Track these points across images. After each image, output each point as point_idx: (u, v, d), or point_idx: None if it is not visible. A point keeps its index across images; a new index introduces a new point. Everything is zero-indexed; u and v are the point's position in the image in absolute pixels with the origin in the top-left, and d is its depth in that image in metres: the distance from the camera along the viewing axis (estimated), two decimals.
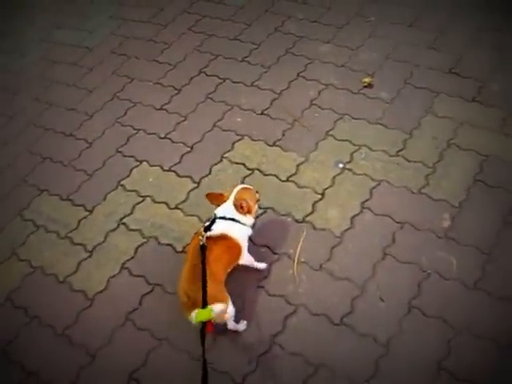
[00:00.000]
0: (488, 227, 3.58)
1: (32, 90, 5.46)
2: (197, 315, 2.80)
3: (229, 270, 3.24)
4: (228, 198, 3.25)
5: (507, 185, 3.78)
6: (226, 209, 3.21)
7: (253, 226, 3.37)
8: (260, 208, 3.86)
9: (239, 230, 3.21)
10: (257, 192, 3.37)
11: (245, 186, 3.35)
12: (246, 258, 3.36)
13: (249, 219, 3.27)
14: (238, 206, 3.17)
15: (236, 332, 3.28)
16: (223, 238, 3.13)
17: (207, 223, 3.18)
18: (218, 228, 3.14)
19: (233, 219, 3.18)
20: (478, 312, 3.20)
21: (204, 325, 2.80)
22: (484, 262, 3.40)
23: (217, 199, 3.30)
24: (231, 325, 3.22)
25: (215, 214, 3.22)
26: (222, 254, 3.12)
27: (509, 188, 3.76)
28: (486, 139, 4.09)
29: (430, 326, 3.18)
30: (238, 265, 3.35)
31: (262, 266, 3.51)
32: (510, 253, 3.44)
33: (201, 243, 3.02)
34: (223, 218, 3.18)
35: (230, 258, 3.22)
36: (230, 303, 3.08)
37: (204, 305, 2.81)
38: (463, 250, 3.48)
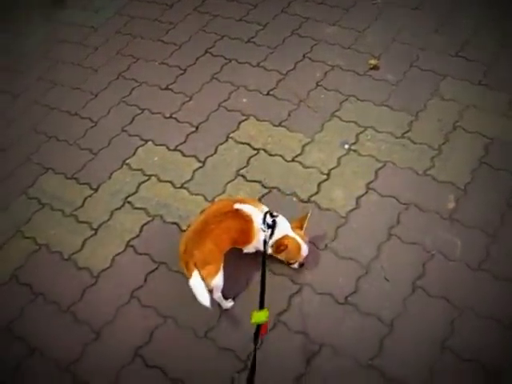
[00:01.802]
0: (493, 209, 3.59)
1: (36, 69, 5.43)
2: (253, 316, 2.78)
3: (231, 246, 3.27)
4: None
5: None
6: (283, 223, 3.26)
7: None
8: (265, 188, 3.87)
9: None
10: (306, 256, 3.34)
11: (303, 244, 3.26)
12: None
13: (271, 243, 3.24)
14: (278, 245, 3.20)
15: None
16: (247, 220, 3.17)
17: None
18: (252, 210, 3.20)
19: (272, 224, 3.19)
20: (482, 293, 3.22)
21: (258, 327, 2.77)
22: (488, 244, 3.41)
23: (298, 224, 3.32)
24: (216, 296, 3.24)
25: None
26: (235, 230, 3.16)
27: None
28: (491, 122, 4.09)
29: (433, 305, 3.19)
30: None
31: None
32: None
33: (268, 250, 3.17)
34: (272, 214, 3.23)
35: (236, 239, 3.23)
36: (221, 272, 3.11)
37: (200, 264, 2.98)
38: (468, 232, 3.48)
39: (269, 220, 3.17)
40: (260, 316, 2.77)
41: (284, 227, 3.22)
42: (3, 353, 3.39)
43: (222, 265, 3.13)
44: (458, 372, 2.94)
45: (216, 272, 3.08)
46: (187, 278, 3.02)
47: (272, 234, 3.17)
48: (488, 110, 4.18)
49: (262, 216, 3.19)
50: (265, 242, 3.14)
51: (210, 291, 3.13)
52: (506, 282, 3.24)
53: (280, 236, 3.19)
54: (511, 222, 3.50)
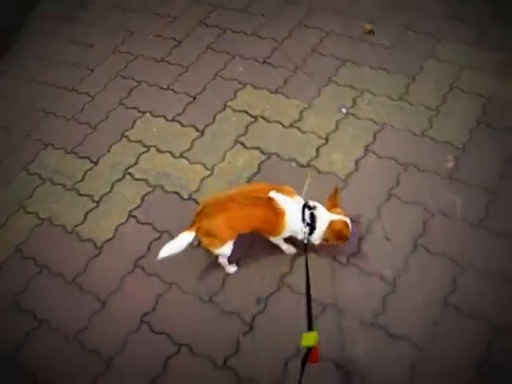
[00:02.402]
0: (492, 167, 3.61)
1: (31, 46, 5.42)
2: (303, 339, 2.54)
3: (251, 231, 3.17)
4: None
5: (510, 126, 3.80)
6: (324, 216, 3.06)
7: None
8: (264, 154, 3.88)
9: (296, 222, 3.02)
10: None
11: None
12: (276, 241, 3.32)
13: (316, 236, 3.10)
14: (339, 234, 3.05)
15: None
16: (277, 213, 2.98)
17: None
18: (288, 204, 3.00)
19: (311, 222, 3.02)
20: (483, 249, 3.25)
21: (308, 352, 2.50)
22: (488, 201, 3.44)
23: (331, 203, 3.14)
24: (221, 260, 3.28)
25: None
26: (258, 218, 3.03)
27: (511, 129, 3.76)
28: (488, 82, 4.10)
29: (435, 263, 3.23)
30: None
31: (290, 250, 3.40)
32: None
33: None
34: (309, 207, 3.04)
35: (259, 228, 3.13)
36: (228, 245, 3.11)
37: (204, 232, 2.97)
38: (467, 190, 3.51)
39: (307, 216, 2.99)
40: (309, 338, 2.53)
41: (323, 215, 3.04)
42: (11, 326, 3.43)
43: (229, 241, 3.09)
44: (461, 327, 2.97)
45: (220, 245, 3.07)
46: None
47: (313, 228, 3.02)
48: (484, 70, 4.19)
49: (298, 210, 3.00)
50: (305, 245, 3.01)
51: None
52: (506, 238, 3.27)
53: (325, 226, 3.02)
54: (510, 180, 3.52)
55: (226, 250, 3.13)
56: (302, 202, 3.06)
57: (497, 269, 3.15)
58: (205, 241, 3.08)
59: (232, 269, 3.36)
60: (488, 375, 2.80)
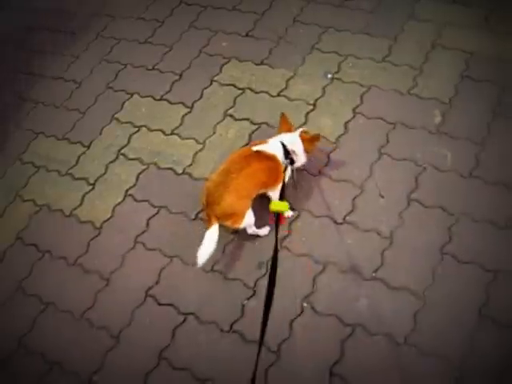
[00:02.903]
0: (478, 119, 3.66)
1: (13, 40, 5.41)
2: (272, 205, 3.05)
3: (260, 192, 3.25)
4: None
5: (494, 78, 3.85)
6: (292, 139, 3.28)
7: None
8: (254, 124, 3.92)
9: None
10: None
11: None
12: (277, 193, 3.25)
13: (300, 159, 3.30)
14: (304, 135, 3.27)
15: (252, 237, 3.41)
16: (271, 159, 3.16)
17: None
18: (271, 147, 3.20)
19: (288, 153, 3.23)
20: (476, 198, 3.31)
21: (278, 216, 2.93)
22: (477, 152, 3.50)
23: (286, 127, 3.36)
24: (251, 230, 3.32)
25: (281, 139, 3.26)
26: (259, 173, 3.13)
27: (496, 81, 3.83)
28: (469, 37, 4.14)
29: (429, 215, 3.29)
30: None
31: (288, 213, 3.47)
32: (502, 141, 3.53)
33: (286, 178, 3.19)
34: (284, 145, 3.22)
35: (265, 181, 3.20)
36: (249, 215, 3.15)
37: (223, 216, 3.05)
38: (456, 143, 3.57)
39: (291, 148, 3.25)
40: (278, 205, 3.04)
41: (293, 141, 3.28)
42: (18, 310, 3.48)
43: (248, 210, 3.14)
44: (458, 274, 3.04)
45: (242, 218, 3.12)
46: (206, 228, 3.06)
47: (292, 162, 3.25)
48: (465, 26, 4.22)
49: (280, 148, 3.21)
50: (286, 168, 3.22)
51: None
52: (497, 186, 3.33)
53: (300, 145, 3.29)
54: (497, 130, 3.58)
55: (249, 220, 3.17)
56: (277, 141, 3.25)
57: (489, 216, 3.21)
58: (229, 223, 3.11)
59: (265, 230, 3.40)
60: (489, 318, 2.87)
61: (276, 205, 3.01)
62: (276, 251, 2.68)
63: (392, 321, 2.95)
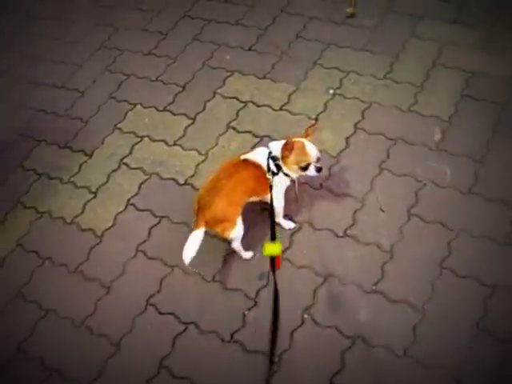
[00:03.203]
0: (478, 137, 3.74)
1: (19, 46, 5.45)
2: (265, 248, 2.79)
3: (250, 199, 3.27)
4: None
5: (493, 97, 3.94)
6: (277, 147, 3.15)
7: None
8: (256, 137, 3.97)
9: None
10: (318, 160, 3.15)
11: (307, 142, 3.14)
12: (276, 203, 3.18)
13: (290, 169, 3.17)
14: (284, 145, 3.08)
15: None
16: (257, 166, 3.15)
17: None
18: (257, 156, 3.19)
19: (275, 158, 3.14)
20: (475, 214, 3.37)
21: (273, 260, 2.78)
22: (477, 169, 3.57)
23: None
24: (235, 245, 3.33)
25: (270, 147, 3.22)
26: (248, 180, 3.14)
27: (495, 100, 3.92)
28: (469, 57, 4.24)
29: (429, 230, 3.34)
30: (265, 203, 3.34)
31: (288, 225, 3.52)
32: (501, 159, 3.61)
33: (270, 183, 3.11)
34: (270, 152, 3.18)
35: (254, 188, 3.21)
36: (239, 224, 3.17)
37: (212, 222, 3.03)
38: (456, 160, 3.63)
39: (272, 164, 3.14)
40: (272, 247, 2.78)
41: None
42: (18, 316, 3.48)
43: (239, 218, 3.16)
44: (457, 288, 3.10)
45: (232, 226, 3.13)
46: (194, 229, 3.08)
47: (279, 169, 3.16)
48: (465, 46, 4.33)
49: (266, 157, 3.16)
50: (273, 173, 3.14)
51: (229, 241, 3.28)
52: (496, 203, 3.39)
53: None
54: (497, 148, 3.66)
55: (238, 230, 3.18)
56: (266, 151, 3.19)
57: (487, 232, 3.27)
58: (218, 229, 3.13)
59: (248, 254, 3.42)
60: (486, 331, 2.91)
61: (269, 248, 2.78)
62: (276, 293, 2.70)
63: (392, 333, 2.98)
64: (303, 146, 3.08)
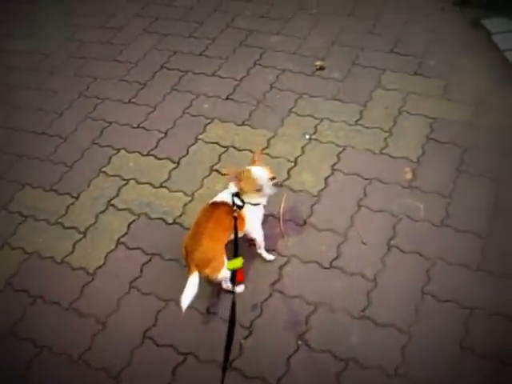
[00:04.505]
0: (445, 176, 4.08)
1: None
2: (228, 263, 3.20)
3: (231, 236, 3.38)
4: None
5: (456, 140, 4.31)
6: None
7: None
8: None
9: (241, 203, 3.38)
10: (272, 178, 3.28)
11: (258, 167, 3.34)
12: (255, 235, 3.57)
13: (252, 196, 3.35)
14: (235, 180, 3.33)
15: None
16: (225, 204, 3.35)
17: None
18: (223, 196, 3.41)
19: (236, 194, 3.37)
20: (448, 244, 3.67)
21: (234, 273, 3.15)
22: (446, 204, 3.88)
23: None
24: (225, 285, 3.51)
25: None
26: (223, 218, 3.32)
27: (457, 143, 4.29)
28: (431, 105, 4.64)
29: (408, 260, 3.61)
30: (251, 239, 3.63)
31: (269, 257, 3.73)
32: (467, 194, 3.94)
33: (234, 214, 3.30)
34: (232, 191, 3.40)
35: (231, 224, 3.33)
36: (225, 263, 3.31)
37: (202, 264, 3.20)
38: (427, 196, 3.95)
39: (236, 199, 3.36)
40: (235, 263, 3.15)
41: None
42: (11, 354, 3.50)
43: (224, 256, 3.33)
44: (438, 311, 3.34)
45: (220, 266, 3.29)
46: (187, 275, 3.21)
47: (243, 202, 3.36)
48: (427, 95, 4.74)
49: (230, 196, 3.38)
50: (238, 207, 3.34)
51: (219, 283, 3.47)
52: (466, 234, 3.70)
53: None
54: (462, 185, 4.00)
55: (226, 271, 3.32)
56: (229, 191, 3.42)
57: (462, 260, 3.56)
58: (208, 271, 3.27)
59: (239, 288, 3.56)
60: (468, 349, 3.16)
61: (231, 263, 3.17)
62: (234, 307, 2.96)
63: (382, 354, 3.19)
64: (249, 173, 3.27)
